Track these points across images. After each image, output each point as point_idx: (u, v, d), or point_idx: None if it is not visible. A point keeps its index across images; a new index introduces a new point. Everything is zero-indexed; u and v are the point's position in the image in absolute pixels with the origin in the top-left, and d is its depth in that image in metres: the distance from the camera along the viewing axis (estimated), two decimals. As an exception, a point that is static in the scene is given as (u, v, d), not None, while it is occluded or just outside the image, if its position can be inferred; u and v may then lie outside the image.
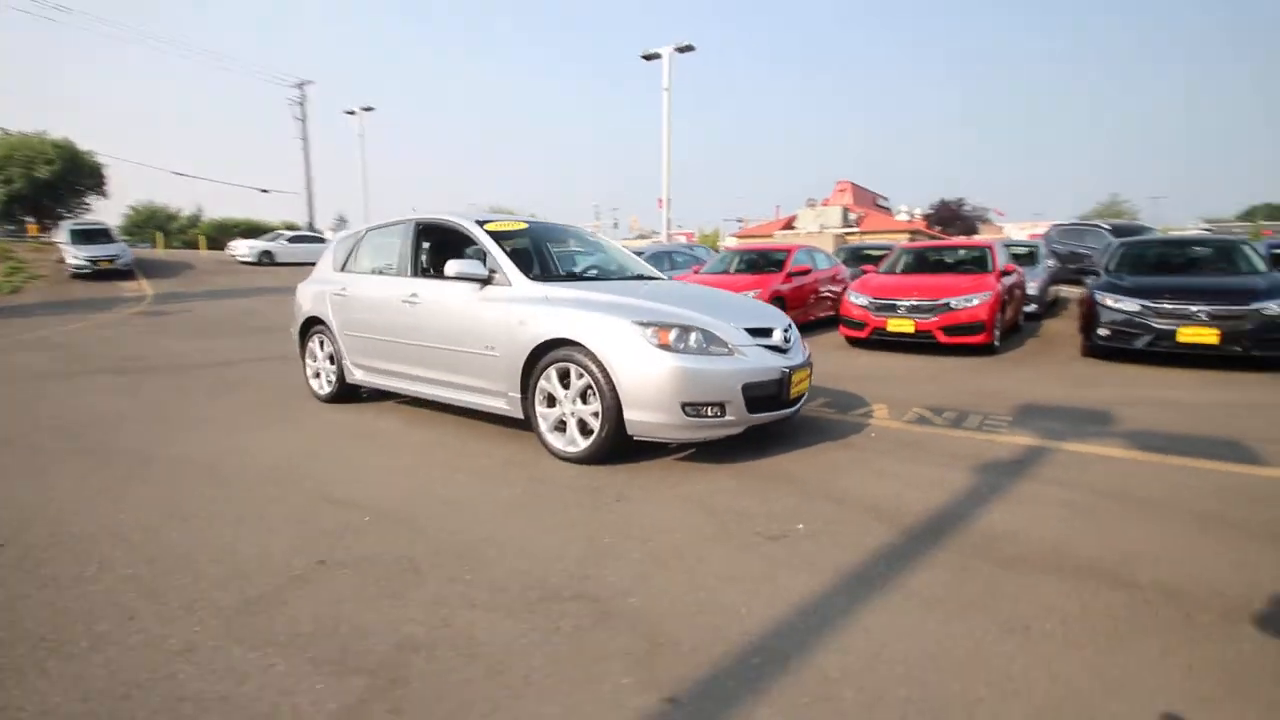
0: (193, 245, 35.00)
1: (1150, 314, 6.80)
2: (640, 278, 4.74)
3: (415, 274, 4.75)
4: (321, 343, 5.42)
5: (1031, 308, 10.38)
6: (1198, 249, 8.39)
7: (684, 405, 3.40)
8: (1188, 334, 6.58)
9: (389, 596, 2.24)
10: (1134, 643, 1.94)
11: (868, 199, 38.58)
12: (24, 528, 2.83)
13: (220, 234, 34.97)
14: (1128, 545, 2.62)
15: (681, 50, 18.53)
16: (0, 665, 1.85)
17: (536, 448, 3.97)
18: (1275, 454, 3.80)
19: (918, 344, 7.96)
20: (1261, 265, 7.43)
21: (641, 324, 3.49)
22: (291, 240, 25.83)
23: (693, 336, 3.50)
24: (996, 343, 7.91)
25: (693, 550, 2.59)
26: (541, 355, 3.80)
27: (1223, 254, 7.91)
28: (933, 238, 33.93)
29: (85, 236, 19.51)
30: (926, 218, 38.39)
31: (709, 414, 3.45)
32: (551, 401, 3.81)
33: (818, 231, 32.40)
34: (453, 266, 4.12)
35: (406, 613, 2.13)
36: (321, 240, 27.34)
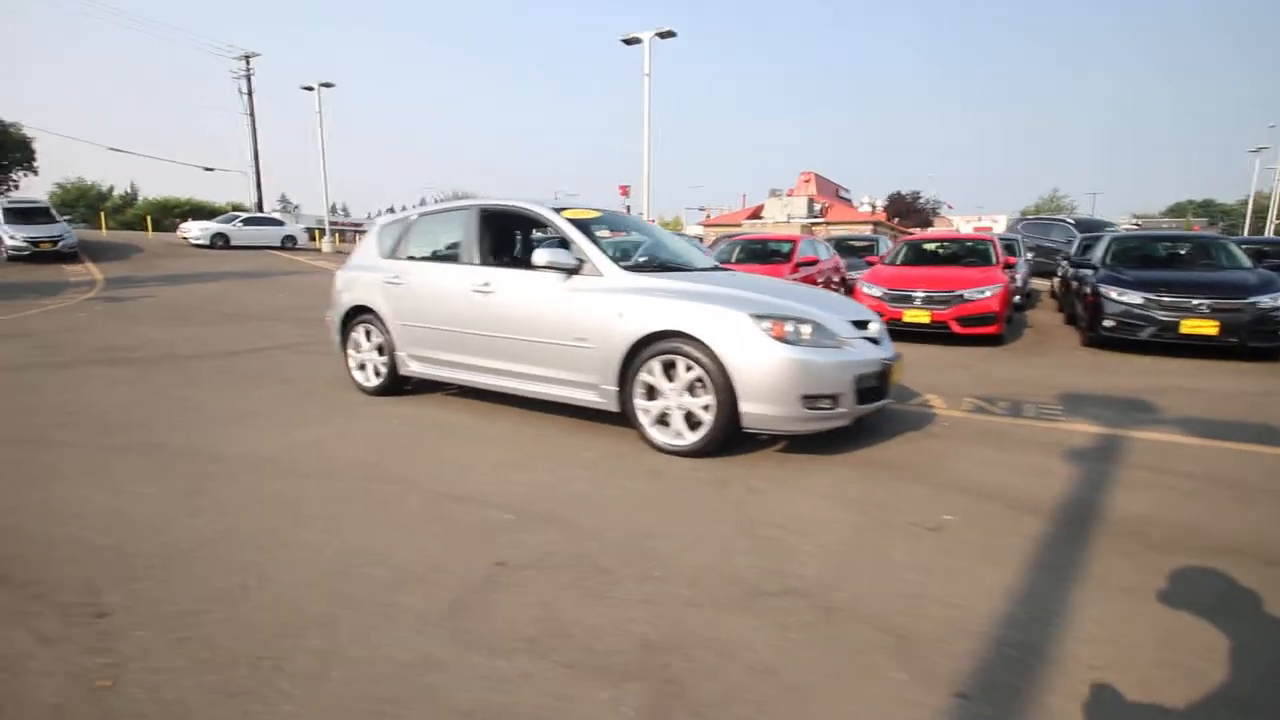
0: (130, 226, 32.87)
1: (1154, 306, 7.19)
2: (715, 269, 4.72)
3: (483, 262, 4.58)
4: (368, 333, 5.19)
5: (1016, 299, 10.84)
6: (1184, 245, 8.90)
7: (803, 398, 3.41)
8: (1190, 326, 6.99)
9: (594, 596, 2.18)
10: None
11: (830, 189, 39.41)
12: (131, 536, 2.61)
13: (161, 214, 32.94)
14: (1256, 527, 2.78)
15: (663, 36, 18.39)
16: (233, 690, 1.71)
17: (630, 440, 3.92)
18: (1324, 439, 4.09)
19: (929, 334, 8.20)
20: (1245, 261, 7.95)
21: (757, 316, 3.47)
22: (246, 223, 24.56)
23: (807, 329, 3.50)
24: (1004, 333, 8.23)
25: (864, 542, 2.61)
26: (643, 348, 3.74)
27: (1208, 250, 8.43)
28: (893, 229, 35.02)
29: (22, 216, 18.05)
30: (886, 209, 39.56)
31: (824, 406, 3.47)
32: (651, 394, 3.76)
33: (785, 221, 32.91)
34: (542, 255, 4.00)
35: (625, 613, 2.08)
36: (278, 223, 26.11)
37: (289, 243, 25.32)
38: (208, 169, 35.08)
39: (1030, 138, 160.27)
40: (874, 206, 39.25)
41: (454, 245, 4.81)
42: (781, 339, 3.43)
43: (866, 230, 29.46)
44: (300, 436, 4.07)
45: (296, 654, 1.86)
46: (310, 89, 24.75)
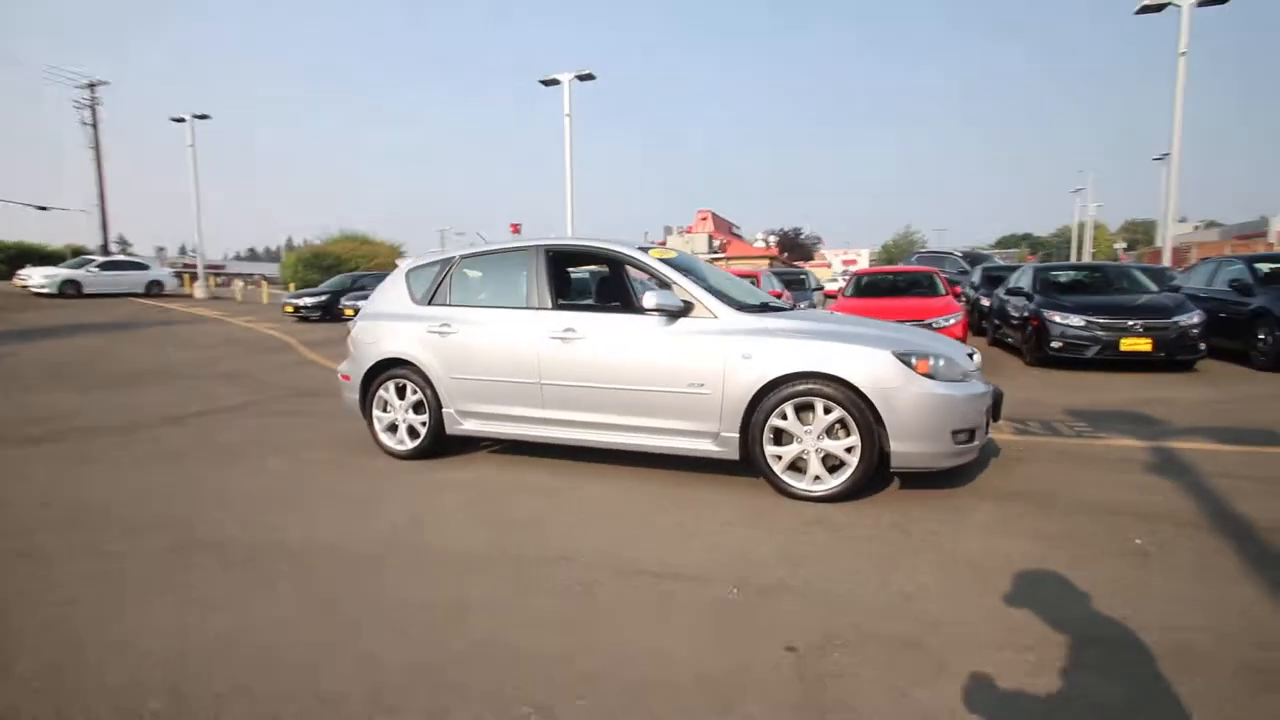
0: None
1: (1095, 328, 8.08)
2: (795, 307, 4.68)
3: (555, 306, 4.23)
4: (402, 389, 4.60)
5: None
6: (1097, 273, 10.14)
7: (954, 433, 3.41)
8: (1128, 344, 7.91)
9: (933, 673, 1.97)
10: None
11: (725, 226, 41.38)
12: (261, 672, 2.05)
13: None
14: (1378, 525, 3.10)
15: (582, 78, 18.57)
16: None
17: (747, 489, 3.73)
18: (1319, 438, 4.70)
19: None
20: (1153, 285, 9.17)
21: (901, 355, 3.45)
22: (104, 267, 21.46)
23: (943, 364, 3.53)
24: (966, 357, 8.87)
25: (1101, 574, 2.60)
26: (769, 391, 3.58)
27: (1119, 277, 9.65)
28: (785, 263, 37.23)
29: None
30: (777, 245, 42.15)
31: (965, 440, 3.49)
32: (779, 439, 3.61)
33: (688, 257, 34.08)
34: (653, 298, 3.76)
35: (997, 689, 1.90)
36: (142, 267, 23.10)
37: (154, 288, 22.41)
38: (41, 208, 30.40)
39: (886, 180, 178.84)
40: (767, 242, 41.70)
41: (516, 289, 4.42)
42: (929, 375, 3.42)
43: (763, 264, 31.15)
44: (372, 516, 3.49)
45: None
46: (181, 120, 22.33)
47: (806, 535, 3.10)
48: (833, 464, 3.54)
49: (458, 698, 1.90)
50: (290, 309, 17.68)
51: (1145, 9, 13.81)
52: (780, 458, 3.61)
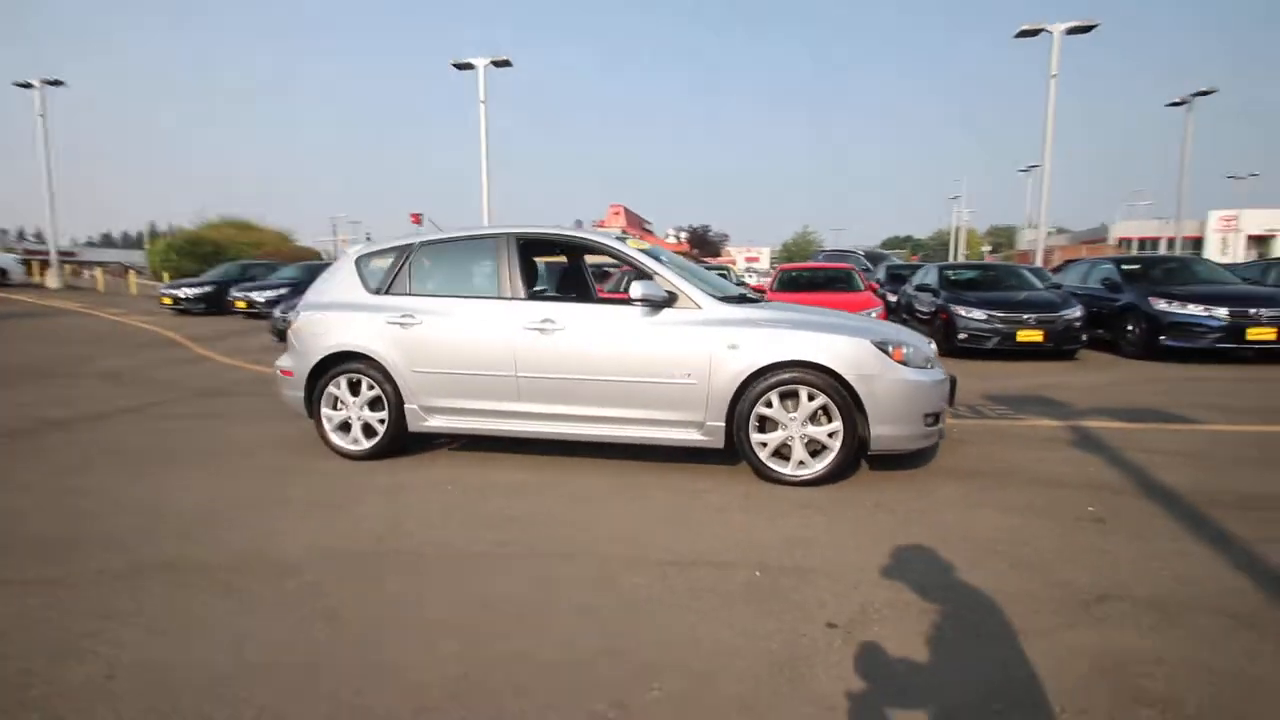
0: None
1: (996, 321, 8.88)
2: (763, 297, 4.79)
3: (529, 296, 4.11)
4: (356, 385, 4.30)
5: (859, 319, 12.59)
6: (991, 272, 11.12)
7: (925, 417, 3.64)
8: (1023, 335, 8.76)
9: (969, 638, 2.11)
10: None
11: (637, 221, 41.57)
12: (292, 697, 1.89)
13: None
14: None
15: (498, 64, 18.03)
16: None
17: (726, 476, 3.82)
18: (1196, 414, 5.41)
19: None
20: (1038, 283, 10.18)
21: (879, 343, 3.63)
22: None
23: (913, 351, 3.75)
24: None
25: (1076, 542, 2.87)
26: (755, 380, 3.67)
27: (1009, 275, 10.63)
28: (696, 258, 38.03)
29: None
30: (689, 241, 43.01)
31: (932, 423, 3.73)
32: (763, 426, 3.70)
33: (600, 252, 33.97)
34: (639, 288, 3.74)
35: (1030, 648, 2.05)
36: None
37: (-4, 278, 19.53)
38: None
39: (785, 181, 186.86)
40: (678, 238, 42.42)
41: (484, 278, 4.24)
42: (903, 363, 3.63)
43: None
44: (349, 522, 3.24)
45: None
46: (29, 86, 19.48)
47: (803, 518, 3.21)
48: (814, 449, 3.68)
49: (523, 703, 1.81)
50: (168, 300, 16.01)
51: (1023, 33, 15.31)
52: (765, 444, 3.70)
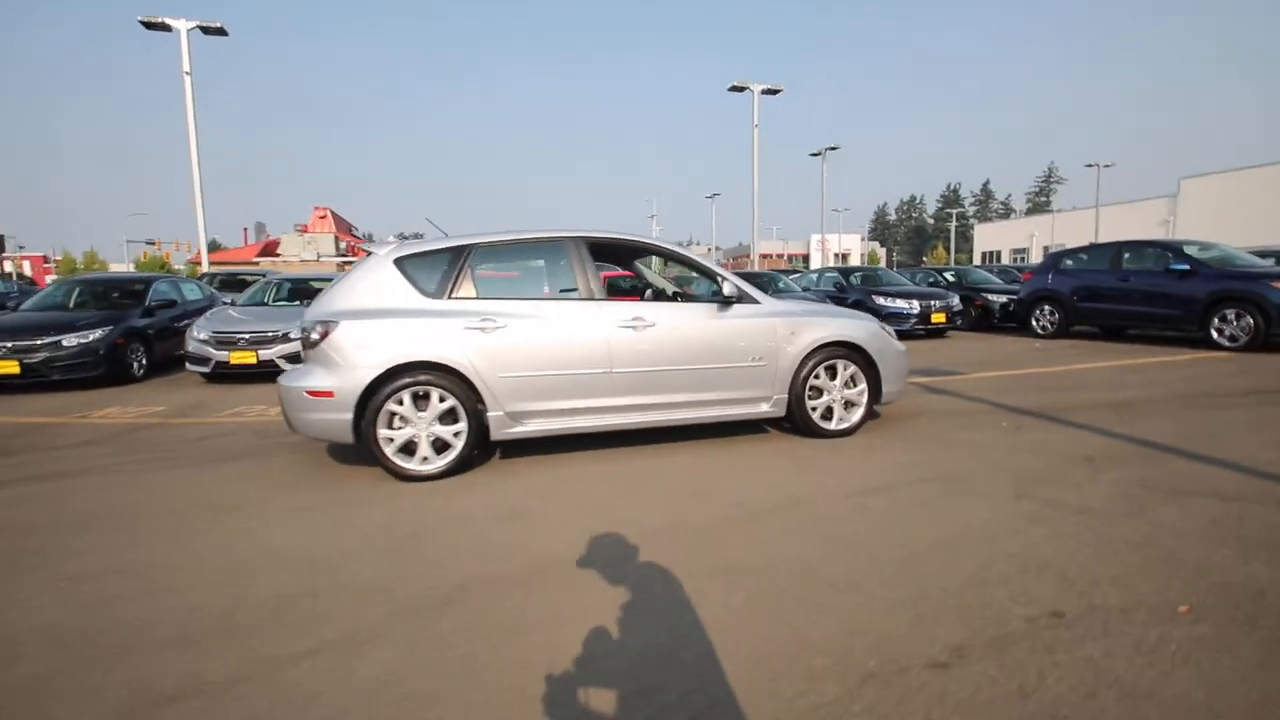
0: None
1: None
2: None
3: (603, 296, 4.35)
4: (422, 397, 3.96)
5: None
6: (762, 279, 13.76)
7: (906, 375, 5.06)
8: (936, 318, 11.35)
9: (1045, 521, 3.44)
10: None
11: (345, 226, 37.23)
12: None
13: None
14: (1042, 399, 5.96)
15: (208, 32, 15.04)
16: None
17: (752, 443, 4.72)
18: (957, 369, 8.07)
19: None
20: (796, 287, 13.08)
21: (881, 323, 4.93)
22: None
23: (892, 330, 5.14)
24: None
25: (998, 439, 4.52)
26: (809, 359, 4.63)
27: (770, 281, 13.39)
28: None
29: None
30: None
31: (907, 379, 5.19)
32: (817, 393, 4.70)
33: (315, 260, 29.69)
34: (729, 287, 4.42)
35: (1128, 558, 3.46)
36: None
37: None
38: None
39: (483, 184, 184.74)
40: None
41: (558, 280, 4.33)
42: (893, 338, 4.99)
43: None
44: (495, 545, 3.25)
45: None
46: None
47: (868, 460, 4.27)
48: (851, 407, 4.79)
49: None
50: None
51: (734, 88, 19.04)
52: (816, 409, 4.69)
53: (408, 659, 2.08)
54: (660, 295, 5.28)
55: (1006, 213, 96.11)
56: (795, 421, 4.69)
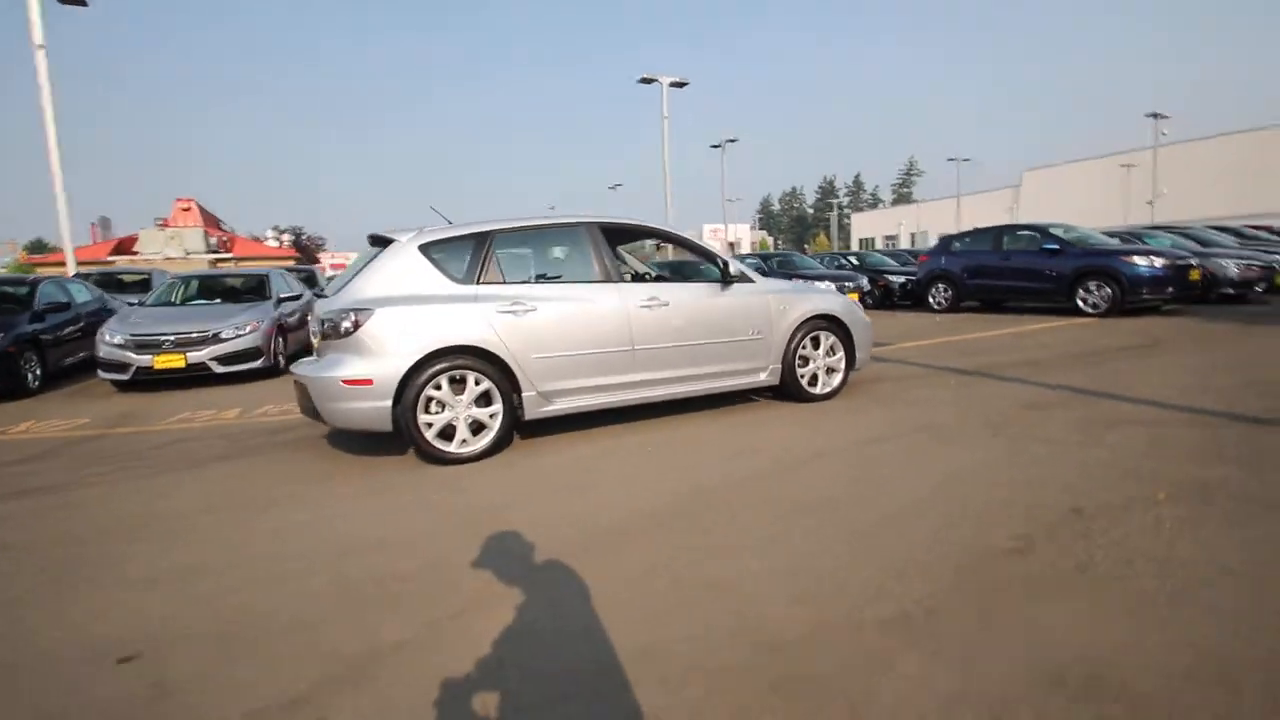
0: None
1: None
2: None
3: (617, 279, 4.61)
4: (458, 381, 4.06)
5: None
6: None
7: (871, 343, 5.73)
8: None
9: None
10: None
11: (213, 221, 33.66)
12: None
13: None
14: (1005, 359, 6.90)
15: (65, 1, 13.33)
16: None
17: (746, 411, 5.22)
18: (890, 339, 9.01)
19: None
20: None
21: (849, 296, 5.54)
22: None
23: (859, 303, 5.78)
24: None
25: (958, 392, 5.30)
26: (798, 331, 5.15)
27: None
28: (299, 263, 33.57)
29: None
30: (293, 245, 37.30)
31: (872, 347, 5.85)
32: (804, 362, 5.23)
33: (182, 258, 26.80)
34: (736, 266, 4.84)
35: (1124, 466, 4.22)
36: None
37: None
38: None
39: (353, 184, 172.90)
40: (281, 241, 36.25)
41: (577, 264, 4.55)
42: (861, 309, 5.63)
43: (290, 263, 27.70)
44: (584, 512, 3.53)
45: None
46: None
47: (858, 419, 4.87)
48: (833, 373, 5.36)
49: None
50: None
51: (644, 80, 19.46)
52: (804, 376, 5.23)
53: (594, 589, 2.31)
54: (640, 278, 5.60)
55: (875, 203, 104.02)
56: (787, 388, 5.19)
